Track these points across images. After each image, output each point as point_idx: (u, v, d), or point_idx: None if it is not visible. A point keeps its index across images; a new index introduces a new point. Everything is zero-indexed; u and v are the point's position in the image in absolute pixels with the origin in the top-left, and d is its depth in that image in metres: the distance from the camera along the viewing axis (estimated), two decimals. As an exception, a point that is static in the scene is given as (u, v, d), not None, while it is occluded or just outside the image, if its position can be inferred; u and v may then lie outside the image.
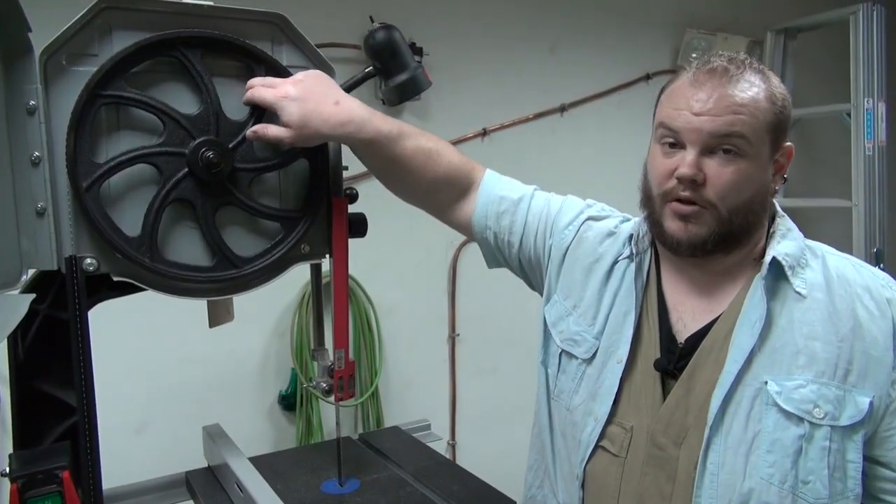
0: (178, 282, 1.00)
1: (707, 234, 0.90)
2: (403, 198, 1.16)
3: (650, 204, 0.95)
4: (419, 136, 1.09)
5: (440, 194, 1.13)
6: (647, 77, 2.87)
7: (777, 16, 3.07)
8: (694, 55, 0.95)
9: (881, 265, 2.70)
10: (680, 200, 0.90)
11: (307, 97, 0.98)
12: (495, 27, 2.55)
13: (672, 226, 0.92)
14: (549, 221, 1.11)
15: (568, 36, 2.71)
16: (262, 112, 1.02)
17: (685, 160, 0.88)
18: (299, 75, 1.02)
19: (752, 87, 0.88)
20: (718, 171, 0.88)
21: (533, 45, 2.64)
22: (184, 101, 0.99)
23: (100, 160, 0.95)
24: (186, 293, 1.03)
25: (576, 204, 1.13)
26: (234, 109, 1.02)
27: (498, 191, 1.13)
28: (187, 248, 1.02)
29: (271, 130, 1.00)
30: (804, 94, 3.08)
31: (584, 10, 2.73)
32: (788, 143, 0.93)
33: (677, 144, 0.90)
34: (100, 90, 0.93)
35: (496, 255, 1.15)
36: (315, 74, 1.03)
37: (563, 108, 2.71)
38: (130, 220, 0.97)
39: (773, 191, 0.94)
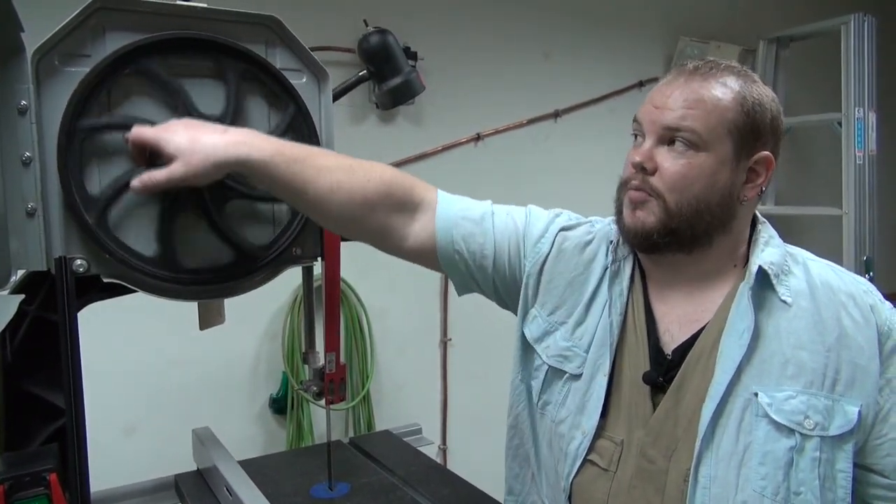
0: (116, 259, 0.97)
1: (653, 224, 0.90)
2: (336, 229, 1.06)
3: (619, 194, 0.97)
4: (338, 155, 1.00)
5: (377, 216, 1.00)
6: (641, 84, 2.88)
7: (769, 25, 3.10)
8: (711, 58, 0.96)
9: (870, 273, 2.72)
10: (634, 189, 0.93)
11: (190, 126, 0.92)
12: (490, 32, 2.56)
13: (625, 213, 0.94)
14: (519, 237, 1.05)
15: (562, 42, 2.72)
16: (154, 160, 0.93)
17: (640, 148, 0.91)
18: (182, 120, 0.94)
19: (719, 87, 0.89)
20: (669, 162, 0.89)
21: (527, 51, 2.65)
22: (208, 100, 1.00)
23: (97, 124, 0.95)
24: (123, 277, 0.99)
25: (541, 214, 1.08)
26: (254, 122, 1.03)
27: (457, 212, 1.04)
28: (142, 235, 0.99)
29: (157, 174, 0.90)
30: (795, 102, 3.10)
31: (578, 16, 2.75)
32: (766, 153, 0.91)
33: (641, 136, 0.93)
34: (133, 59, 0.94)
35: (468, 281, 1.07)
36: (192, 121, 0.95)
37: (556, 114, 2.72)
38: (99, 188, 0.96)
39: (739, 197, 0.91)
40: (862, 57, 2.76)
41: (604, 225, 1.05)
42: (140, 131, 0.92)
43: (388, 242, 1.04)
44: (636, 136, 0.95)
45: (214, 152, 0.89)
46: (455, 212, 1.04)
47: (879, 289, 0.96)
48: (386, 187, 0.99)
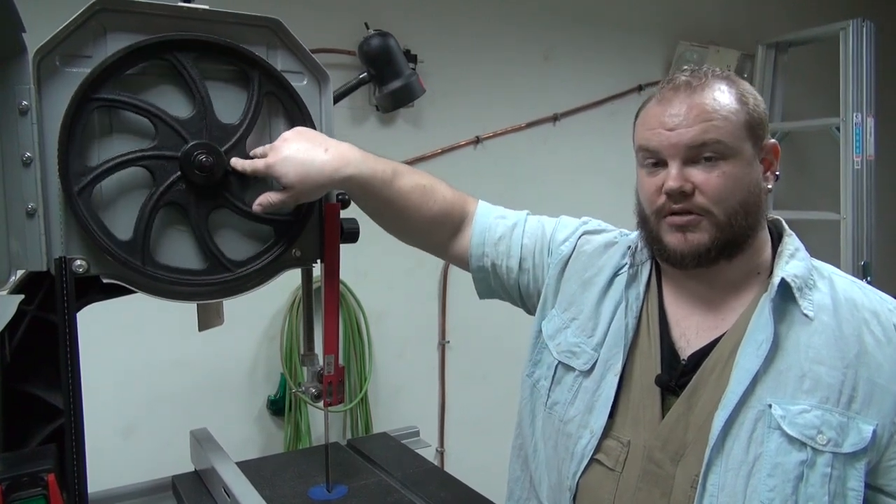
0: (169, 285, 1.00)
1: (709, 242, 0.90)
2: (402, 237, 1.15)
3: (646, 225, 0.96)
4: (413, 173, 1.10)
5: (438, 230, 1.13)
6: (640, 88, 2.88)
7: (769, 30, 3.11)
8: (685, 67, 0.96)
9: (868, 278, 2.72)
10: (675, 213, 0.91)
11: (296, 154, 0.98)
12: (490, 36, 2.56)
13: (672, 239, 0.92)
14: (546, 240, 1.11)
15: (561, 46, 2.72)
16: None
17: (670, 174, 0.90)
18: (285, 134, 1.02)
19: (718, 93, 0.90)
20: (706, 178, 0.89)
21: (527, 55, 2.66)
22: (175, 104, 0.99)
23: (92, 164, 0.94)
24: (177, 296, 1.02)
25: (571, 222, 1.14)
26: (225, 113, 1.02)
27: (492, 219, 1.13)
28: (179, 251, 1.01)
29: (273, 197, 1.00)
30: (794, 107, 3.11)
31: (577, 20, 2.75)
32: (772, 140, 0.95)
33: (659, 163, 0.92)
34: (92, 93, 0.93)
35: (492, 283, 1.15)
36: (299, 130, 1.03)
37: (555, 118, 2.72)
38: (123, 225, 0.97)
39: (765, 189, 0.94)
40: (861, 62, 2.76)
41: (635, 236, 1.05)
42: (255, 166, 1.00)
43: (437, 249, 1.17)
44: (651, 164, 0.93)
45: (319, 179, 1.00)
46: (491, 219, 1.14)
47: (877, 293, 0.95)
48: (449, 207, 1.12)
